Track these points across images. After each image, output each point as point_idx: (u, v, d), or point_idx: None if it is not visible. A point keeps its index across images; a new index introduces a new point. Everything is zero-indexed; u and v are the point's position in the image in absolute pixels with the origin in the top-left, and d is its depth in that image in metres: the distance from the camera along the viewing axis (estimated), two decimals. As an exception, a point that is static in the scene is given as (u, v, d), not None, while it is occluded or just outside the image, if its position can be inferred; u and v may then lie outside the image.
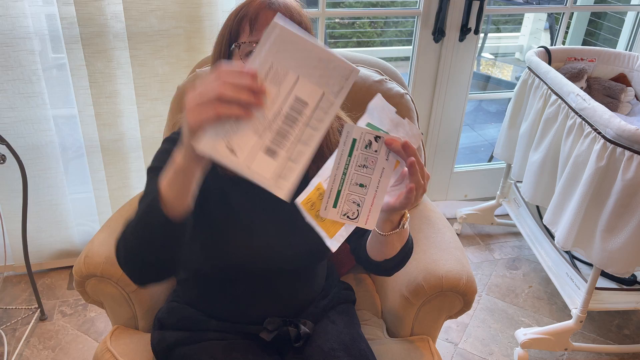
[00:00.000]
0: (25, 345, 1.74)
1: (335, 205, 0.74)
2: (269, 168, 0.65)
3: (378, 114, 0.74)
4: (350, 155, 0.72)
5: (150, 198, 0.74)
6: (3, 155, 1.56)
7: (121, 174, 1.93)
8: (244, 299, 1.05)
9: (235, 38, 0.91)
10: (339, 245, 0.75)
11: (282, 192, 0.66)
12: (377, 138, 0.72)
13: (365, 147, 0.72)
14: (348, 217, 0.74)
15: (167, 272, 0.84)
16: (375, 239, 0.90)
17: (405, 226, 0.84)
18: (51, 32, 1.73)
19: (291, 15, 0.90)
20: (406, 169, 0.74)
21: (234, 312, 1.06)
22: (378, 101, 0.74)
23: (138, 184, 1.97)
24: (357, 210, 0.74)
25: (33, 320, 1.82)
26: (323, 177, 0.75)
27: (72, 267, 2.07)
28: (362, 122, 0.73)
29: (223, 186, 0.99)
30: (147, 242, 0.77)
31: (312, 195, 0.75)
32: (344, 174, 0.73)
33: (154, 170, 0.94)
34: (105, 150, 1.87)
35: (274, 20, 0.64)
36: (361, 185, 0.74)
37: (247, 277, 1.03)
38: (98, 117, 1.80)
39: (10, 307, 1.88)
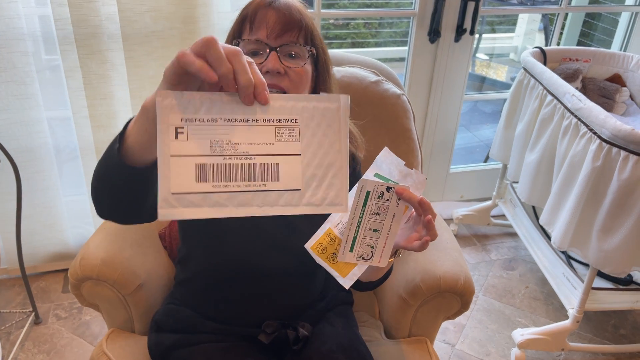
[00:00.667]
0: (20, 349, 1.72)
1: (351, 250, 0.81)
2: (184, 181, 0.55)
3: (387, 166, 0.81)
4: (364, 205, 0.79)
5: (115, 137, 0.68)
6: (-3, 157, 1.55)
7: (116, 176, 1.91)
8: (243, 302, 1.04)
9: (238, 37, 0.93)
10: (352, 283, 0.81)
11: (165, 210, 0.55)
12: (388, 189, 0.79)
13: (378, 198, 0.79)
14: (363, 258, 0.81)
15: (126, 214, 0.78)
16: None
17: (400, 257, 0.89)
18: (44, 33, 1.72)
19: (290, 12, 0.90)
20: (414, 212, 0.82)
21: (232, 314, 1.05)
22: (386, 154, 0.81)
23: (133, 186, 1.96)
24: (371, 251, 0.81)
25: (27, 324, 1.80)
26: (333, 223, 0.82)
27: (66, 270, 2.06)
28: (370, 173, 0.80)
29: None
30: (102, 179, 0.72)
31: (322, 240, 0.82)
32: (359, 222, 0.79)
33: None
34: (100, 152, 1.86)
35: (342, 96, 0.59)
36: (375, 230, 0.80)
37: (246, 281, 1.03)
38: (92, 118, 1.79)
39: (5, 310, 1.87)
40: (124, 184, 0.68)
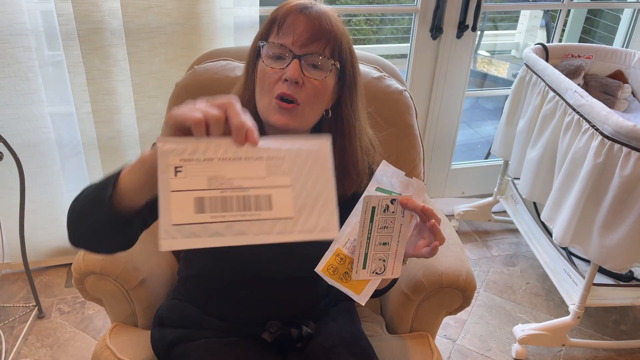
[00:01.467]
0: (24, 343, 1.73)
1: (364, 267, 0.82)
2: (184, 213, 0.59)
3: (387, 178, 0.82)
4: (372, 221, 0.80)
5: (107, 178, 0.70)
6: (0, 152, 1.55)
7: (119, 171, 1.92)
8: (246, 302, 1.05)
9: (264, 38, 0.91)
10: (368, 298, 0.82)
11: (166, 241, 0.58)
12: (392, 201, 0.80)
13: (384, 211, 0.80)
14: (376, 273, 0.83)
15: (99, 248, 0.80)
16: None
17: (407, 263, 0.89)
18: (47, 28, 1.72)
19: (320, 22, 0.87)
20: (419, 219, 0.82)
21: (235, 313, 1.05)
22: (385, 167, 0.82)
23: (135, 182, 1.96)
24: (384, 265, 0.82)
25: (31, 318, 1.81)
26: (341, 243, 0.82)
27: (69, 264, 2.07)
28: (371, 188, 0.81)
29: None
30: (86, 217, 0.73)
31: (332, 261, 0.82)
32: (369, 238, 0.81)
33: None
34: (103, 148, 1.86)
35: (324, 139, 0.65)
36: (384, 244, 0.82)
37: (250, 282, 1.03)
38: (95, 114, 1.79)
39: (8, 305, 1.88)
40: (108, 226, 0.71)
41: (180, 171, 0.59)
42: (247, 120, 0.61)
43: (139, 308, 1.21)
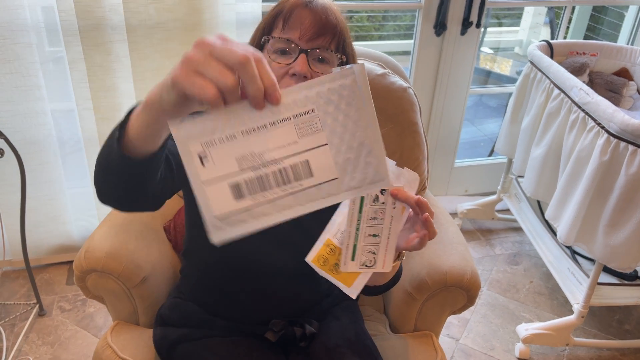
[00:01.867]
0: (24, 341, 1.72)
1: (353, 259, 0.79)
2: (223, 203, 0.56)
3: None
4: (360, 211, 0.77)
5: (116, 126, 0.66)
6: (1, 149, 1.54)
7: (120, 168, 1.91)
8: (249, 300, 1.04)
9: (268, 32, 0.90)
10: (359, 292, 0.80)
11: (216, 234, 0.56)
12: (382, 191, 0.76)
13: (373, 202, 0.77)
14: (366, 265, 0.80)
15: (125, 202, 0.77)
16: None
17: (403, 259, 0.87)
18: (48, 24, 1.71)
19: (327, 16, 0.87)
20: (412, 212, 0.79)
21: (238, 312, 1.05)
22: None
23: (137, 179, 1.95)
24: (374, 257, 0.80)
25: (32, 316, 1.81)
26: (331, 233, 0.79)
27: (70, 262, 2.06)
28: None
29: None
30: (103, 167, 0.71)
31: (322, 252, 0.79)
32: (357, 229, 0.78)
33: None
34: (104, 145, 1.85)
35: (355, 66, 0.56)
36: (374, 236, 0.79)
37: (252, 279, 1.02)
38: (96, 111, 1.78)
39: (9, 302, 1.87)
40: (123, 173, 0.67)
41: (205, 158, 0.54)
42: (265, 78, 0.52)
43: (141, 306, 1.21)
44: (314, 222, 1.05)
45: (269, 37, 0.89)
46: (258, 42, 0.92)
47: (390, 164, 0.75)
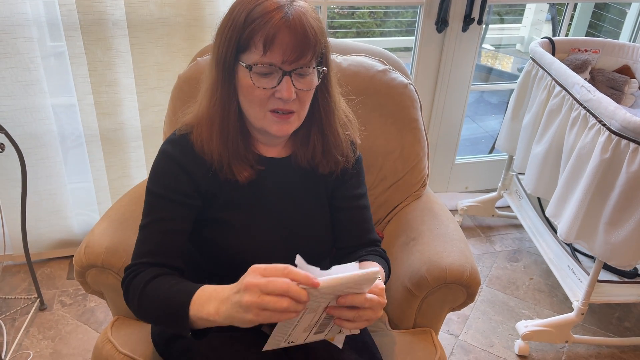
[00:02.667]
0: (25, 335, 1.73)
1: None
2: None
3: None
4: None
5: (180, 319, 0.83)
6: (2, 144, 1.54)
7: (121, 163, 1.91)
8: None
9: (244, 48, 0.87)
10: (343, 340, 0.89)
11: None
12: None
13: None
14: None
15: None
16: None
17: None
18: (49, 19, 1.71)
19: (306, 35, 0.85)
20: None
21: None
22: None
23: (137, 174, 1.95)
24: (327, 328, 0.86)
25: (32, 310, 1.81)
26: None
27: (71, 257, 2.06)
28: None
29: (226, 191, 0.98)
30: (157, 324, 0.99)
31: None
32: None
33: (156, 197, 0.96)
34: (105, 140, 1.85)
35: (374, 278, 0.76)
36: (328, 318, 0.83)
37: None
38: (97, 106, 1.78)
39: (10, 296, 1.87)
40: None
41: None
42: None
43: (141, 301, 1.21)
44: (315, 221, 1.06)
45: (250, 65, 0.86)
46: (232, 59, 0.88)
47: (352, 269, 0.76)
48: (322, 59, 0.93)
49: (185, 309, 0.82)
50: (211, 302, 0.80)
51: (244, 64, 0.87)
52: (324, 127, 0.99)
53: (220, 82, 0.91)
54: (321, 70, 0.92)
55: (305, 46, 0.86)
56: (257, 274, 0.74)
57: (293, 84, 0.87)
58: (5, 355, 1.64)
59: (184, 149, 0.96)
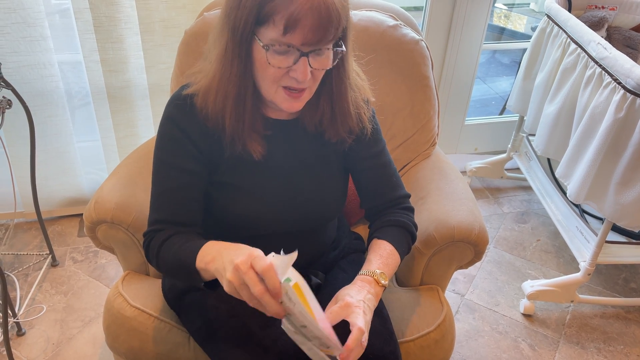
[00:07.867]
0: (38, 290, 1.76)
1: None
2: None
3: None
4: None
5: (191, 274, 0.88)
6: (9, 100, 1.53)
7: (128, 122, 1.90)
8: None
9: (262, 22, 0.82)
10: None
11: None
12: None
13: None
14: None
15: None
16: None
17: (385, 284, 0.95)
18: (53, -27, 1.68)
19: (329, 16, 0.80)
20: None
21: None
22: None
23: (145, 133, 1.95)
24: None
25: (45, 266, 1.84)
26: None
27: (81, 214, 2.08)
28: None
29: (232, 158, 0.97)
30: (174, 278, 1.05)
31: None
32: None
33: (164, 165, 0.96)
34: (112, 98, 1.84)
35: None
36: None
37: (256, 237, 1.02)
38: (104, 63, 1.76)
39: (22, 253, 1.90)
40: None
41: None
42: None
43: (151, 257, 1.22)
44: (318, 186, 1.05)
45: (267, 45, 0.83)
46: (248, 33, 0.84)
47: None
48: (343, 35, 0.89)
49: (192, 262, 0.87)
50: (210, 254, 0.85)
51: (261, 43, 0.83)
52: (334, 98, 0.96)
53: (237, 56, 0.86)
54: (340, 52, 0.88)
55: (327, 28, 0.81)
56: (248, 264, 0.76)
57: (309, 64, 0.84)
58: (20, 309, 1.68)
59: (189, 113, 0.94)
